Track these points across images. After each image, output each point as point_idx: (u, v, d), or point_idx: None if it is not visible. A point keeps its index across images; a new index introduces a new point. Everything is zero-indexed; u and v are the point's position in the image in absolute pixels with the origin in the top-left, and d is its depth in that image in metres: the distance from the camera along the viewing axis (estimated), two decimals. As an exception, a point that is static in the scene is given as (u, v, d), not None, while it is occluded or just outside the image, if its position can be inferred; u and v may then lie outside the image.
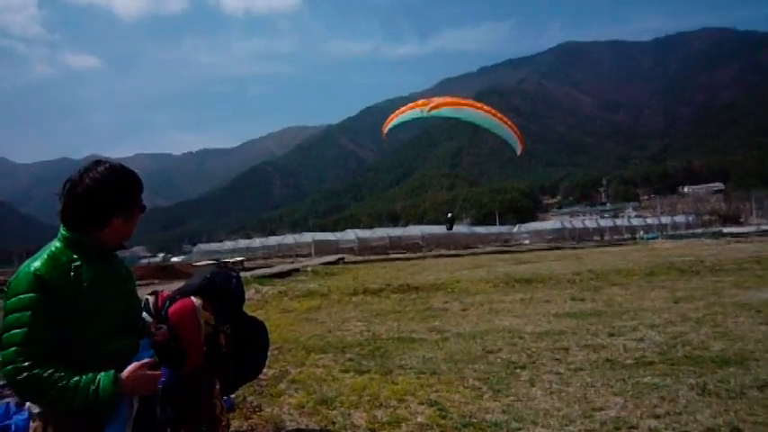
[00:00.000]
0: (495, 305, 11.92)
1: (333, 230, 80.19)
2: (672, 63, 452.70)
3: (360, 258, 40.40)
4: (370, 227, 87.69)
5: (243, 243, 70.84)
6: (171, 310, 2.70)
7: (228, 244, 74.68)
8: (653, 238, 57.05)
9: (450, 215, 22.87)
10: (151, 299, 2.81)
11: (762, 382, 5.26)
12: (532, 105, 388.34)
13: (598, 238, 64.47)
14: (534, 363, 6.49)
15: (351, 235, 58.81)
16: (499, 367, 6.35)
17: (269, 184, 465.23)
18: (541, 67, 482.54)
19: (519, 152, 21.50)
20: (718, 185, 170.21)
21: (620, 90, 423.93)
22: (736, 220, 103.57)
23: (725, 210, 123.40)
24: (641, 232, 68.51)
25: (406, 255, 43.33)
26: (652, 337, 7.56)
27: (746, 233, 57.72)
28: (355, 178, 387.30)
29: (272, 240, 66.63)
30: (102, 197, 2.11)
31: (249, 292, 15.61)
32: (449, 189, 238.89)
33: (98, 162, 2.20)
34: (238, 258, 35.20)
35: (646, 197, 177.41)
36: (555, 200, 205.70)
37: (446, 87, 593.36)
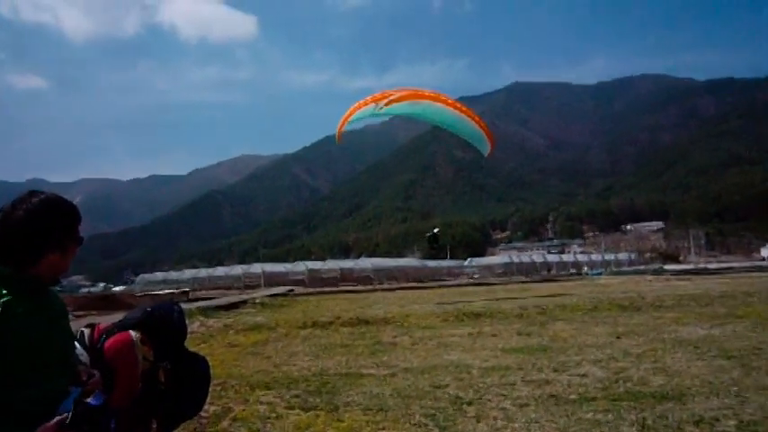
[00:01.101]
0: (444, 339, 11.95)
1: (284, 261, 79.16)
2: (615, 105, 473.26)
3: (310, 290, 39.92)
4: (322, 258, 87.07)
5: (189, 273, 68.90)
6: (107, 344, 2.59)
7: (174, 274, 72.53)
8: (598, 274, 58.70)
9: (435, 231, 22.68)
10: (87, 332, 2.69)
11: (698, 417, 5.42)
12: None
13: (545, 273, 65.88)
14: (481, 398, 6.51)
15: (301, 266, 58.16)
16: (446, 403, 6.34)
17: (219, 213, 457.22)
18: (493, 106, 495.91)
19: (487, 153, 21.26)
20: (659, 224, 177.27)
21: (566, 130, 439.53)
22: (675, 258, 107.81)
23: (665, 248, 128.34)
24: (586, 268, 70.44)
25: (357, 287, 43.13)
26: (595, 372, 7.71)
27: (685, 270, 60.11)
28: (308, 208, 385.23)
29: (220, 271, 65.17)
30: (36, 230, 1.99)
31: (193, 325, 15.17)
32: (402, 222, 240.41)
33: (33, 193, 2.09)
34: (184, 289, 34.26)
35: (591, 234, 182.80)
36: (504, 234, 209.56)
37: (402, 121, 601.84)
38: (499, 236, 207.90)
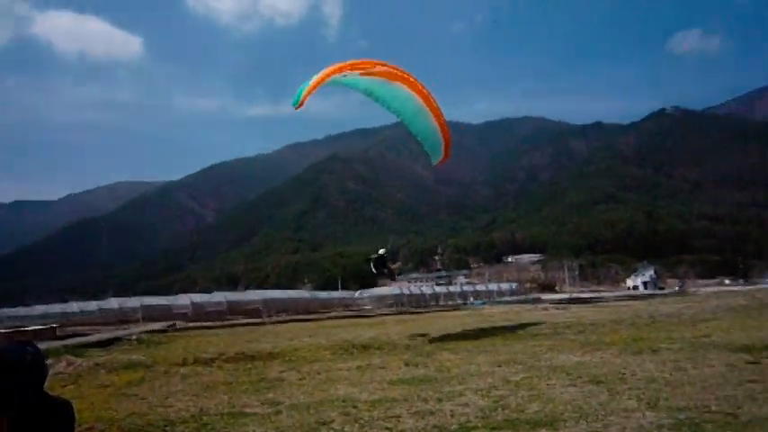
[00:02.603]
0: (333, 373, 11.81)
1: (166, 294, 75.03)
2: (498, 145, 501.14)
3: (193, 324, 38.10)
4: (208, 290, 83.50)
5: (57, 308, 63.16)
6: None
7: (39, 308, 66.20)
8: (481, 304, 61.04)
9: (381, 252, 21.86)
10: None
11: (568, 442, 5.71)
12: (376, 174, 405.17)
13: (434, 304, 67.50)
14: (366, 433, 6.46)
15: (185, 299, 55.35)
16: (331, 440, 6.22)
17: (95, 242, 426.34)
18: (386, 139, 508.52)
19: (437, 162, 20.87)
20: (538, 256, 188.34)
21: (454, 166, 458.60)
22: (552, 288, 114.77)
23: (543, 278, 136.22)
24: (471, 298, 73.03)
25: (245, 321, 41.74)
26: (476, 401, 7.93)
27: (561, 300, 64.14)
28: (193, 238, 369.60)
29: (93, 305, 60.31)
30: None
31: (59, 365, 13.90)
32: (293, 253, 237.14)
33: None
34: (52, 324, 31.40)
35: (476, 265, 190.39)
36: (395, 266, 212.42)
37: (294, 150, 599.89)
38: (390, 267, 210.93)
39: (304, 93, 16.51)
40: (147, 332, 27.37)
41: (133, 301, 54.36)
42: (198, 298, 57.54)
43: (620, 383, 8.84)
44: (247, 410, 8.14)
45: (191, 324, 38.42)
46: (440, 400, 8.10)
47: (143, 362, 15.07)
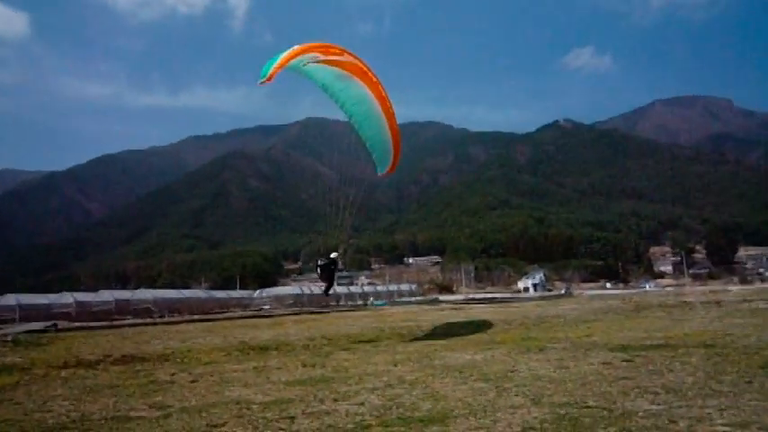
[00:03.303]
0: (227, 375, 11.52)
1: (47, 292, 69.63)
2: (403, 147, 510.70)
3: (78, 325, 35.69)
4: (94, 289, 78.43)
5: None
6: None
7: None
8: (381, 305, 61.86)
9: (333, 256, 18.80)
10: None
11: (457, 437, 5.94)
12: (279, 172, 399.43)
13: (334, 304, 67.50)
14: (259, 435, 6.36)
15: (68, 298, 51.70)
16: (222, 443, 6.07)
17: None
18: (289, 137, 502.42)
19: (383, 172, 20.01)
20: (437, 258, 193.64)
21: (357, 167, 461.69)
22: (449, 289, 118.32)
23: (441, 279, 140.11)
24: (372, 299, 73.77)
25: (135, 321, 39.67)
26: (372, 400, 8.05)
27: (457, 301, 66.36)
28: (81, 233, 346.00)
29: (-39, 303, 54.98)
30: None
31: None
32: (188, 251, 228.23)
33: None
34: None
35: (377, 266, 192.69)
36: (297, 265, 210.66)
37: (192, 144, 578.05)
38: (291, 267, 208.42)
39: (274, 66, 15.35)
40: (24, 332, 25.36)
41: (8, 299, 49.85)
42: (83, 296, 53.95)
43: (508, 381, 9.30)
44: (133, 415, 7.75)
45: (75, 324, 35.96)
46: (336, 400, 8.14)
47: (19, 364, 13.96)
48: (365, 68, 17.04)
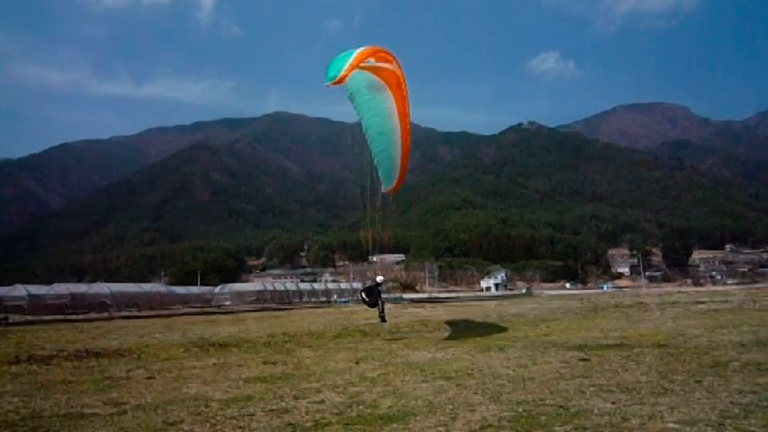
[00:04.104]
0: (185, 371, 11.32)
1: (-2, 285, 67.24)
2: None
3: (31, 318, 34.64)
4: (49, 282, 76.18)
5: None
6: None
7: None
8: (345, 302, 61.78)
9: (380, 279, 18.90)
10: None
11: (417, 435, 5.97)
12: (244, 166, 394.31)
13: (297, 301, 67.13)
14: (217, 432, 6.28)
15: (20, 290, 50.10)
16: (179, 441, 5.96)
17: None
18: (254, 131, 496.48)
19: (387, 190, 19.51)
20: (401, 256, 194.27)
21: (324, 162, 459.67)
22: (413, 288, 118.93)
23: (405, 278, 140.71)
24: (335, 296, 73.61)
25: (91, 315, 38.70)
26: (332, 398, 8.03)
27: (420, 299, 66.73)
28: (36, 224, 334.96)
29: None
30: None
31: None
32: (148, 244, 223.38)
33: None
34: None
35: (341, 263, 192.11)
36: (260, 261, 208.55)
37: (156, 135, 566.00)
38: (254, 262, 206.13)
39: (346, 67, 13.99)
40: (-29, 327, 24.40)
41: (-45, 292, 48.13)
42: (36, 289, 52.35)
43: (469, 379, 9.40)
44: (87, 411, 7.55)
45: (27, 318, 34.88)
46: (296, 398, 8.09)
47: (-36, 360, 13.42)
48: (402, 80, 16.27)
